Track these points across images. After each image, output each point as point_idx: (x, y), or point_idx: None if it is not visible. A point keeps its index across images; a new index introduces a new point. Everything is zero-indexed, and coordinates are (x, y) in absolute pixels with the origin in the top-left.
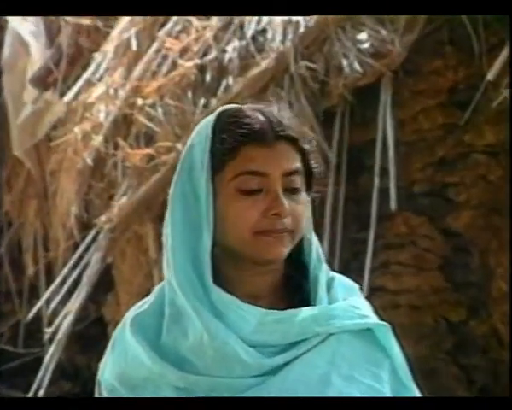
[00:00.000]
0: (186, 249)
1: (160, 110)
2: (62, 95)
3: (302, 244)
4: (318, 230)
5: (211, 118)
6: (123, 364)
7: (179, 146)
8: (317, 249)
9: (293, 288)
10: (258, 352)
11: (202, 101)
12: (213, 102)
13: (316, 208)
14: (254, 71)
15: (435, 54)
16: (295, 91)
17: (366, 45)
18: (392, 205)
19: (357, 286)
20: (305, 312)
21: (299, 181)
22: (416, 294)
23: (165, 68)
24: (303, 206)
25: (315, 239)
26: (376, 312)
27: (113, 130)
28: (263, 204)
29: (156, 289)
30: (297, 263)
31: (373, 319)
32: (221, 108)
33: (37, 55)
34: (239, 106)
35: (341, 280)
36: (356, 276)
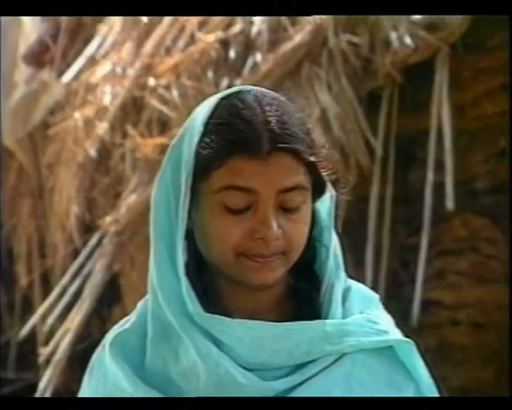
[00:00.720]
0: (169, 258)
1: (175, 92)
2: (61, 74)
3: (315, 252)
4: (360, 234)
5: (210, 103)
6: (101, 392)
7: None
8: (335, 255)
9: (301, 301)
10: (258, 376)
11: (225, 81)
12: (238, 82)
13: (339, 207)
14: (286, 46)
15: (501, 25)
16: (334, 70)
17: (418, 16)
18: (449, 204)
19: (376, 296)
20: (314, 327)
21: (298, 198)
22: (478, 309)
23: (181, 43)
24: (302, 224)
25: (334, 242)
26: (433, 328)
27: (121, 115)
28: (249, 224)
29: (139, 305)
30: (307, 273)
31: (394, 334)
32: (225, 92)
33: (31, 27)
34: (243, 93)
35: (358, 289)
36: (406, 288)
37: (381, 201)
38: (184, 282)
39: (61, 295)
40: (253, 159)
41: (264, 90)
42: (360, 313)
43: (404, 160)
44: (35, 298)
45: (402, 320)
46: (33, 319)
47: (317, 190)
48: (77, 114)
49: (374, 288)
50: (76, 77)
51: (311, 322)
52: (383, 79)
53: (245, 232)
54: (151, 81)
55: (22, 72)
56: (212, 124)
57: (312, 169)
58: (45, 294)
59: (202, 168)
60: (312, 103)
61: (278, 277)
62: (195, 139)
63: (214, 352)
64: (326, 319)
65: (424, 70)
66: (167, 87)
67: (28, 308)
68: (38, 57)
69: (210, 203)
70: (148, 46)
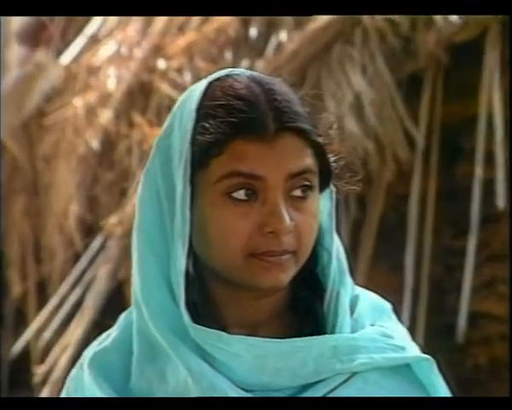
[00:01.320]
0: (158, 267)
1: (188, 75)
2: (59, 55)
3: (316, 256)
4: (400, 236)
5: (199, 88)
6: None
7: None
8: (338, 258)
9: (304, 312)
10: None
11: (245, 63)
12: (260, 64)
13: (341, 205)
14: (315, 24)
15: None
16: (370, 50)
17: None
18: (500, 202)
19: (388, 305)
20: (322, 343)
21: (308, 184)
22: None
23: (195, 20)
24: (311, 216)
25: (337, 244)
26: (481, 343)
27: (127, 102)
28: (257, 216)
29: (121, 318)
30: (309, 280)
31: (411, 350)
32: (213, 75)
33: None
34: (236, 74)
35: (368, 298)
36: (451, 297)
37: (423, 199)
38: (182, 292)
39: (60, 305)
40: (257, 141)
41: (256, 72)
42: (371, 326)
43: (449, 152)
44: (29, 309)
45: (446, 334)
46: (27, 334)
47: (324, 178)
48: (77, 101)
49: (414, 297)
50: (76, 58)
51: (319, 337)
52: (425, 61)
53: (253, 227)
54: (161, 63)
55: (15, 52)
56: (207, 107)
57: (319, 152)
58: (41, 304)
59: (200, 157)
60: (344, 88)
61: (289, 278)
62: (189, 126)
63: (209, 372)
64: (332, 331)
65: (472, 50)
66: (179, 70)
67: (22, 321)
68: (34, 36)
69: (210, 196)
70: (158, 24)
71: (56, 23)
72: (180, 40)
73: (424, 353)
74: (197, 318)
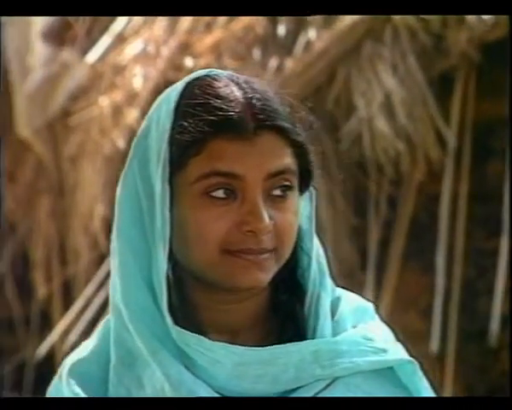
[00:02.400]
0: (138, 269)
1: None
2: (84, 54)
3: (296, 258)
4: (430, 237)
5: (177, 88)
6: None
7: None
8: (318, 260)
9: (285, 316)
10: None
11: (274, 61)
12: (289, 63)
13: (371, 205)
14: (344, 22)
15: None
16: (401, 49)
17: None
18: None
19: (370, 305)
20: (302, 348)
21: (288, 182)
22: None
23: (223, 18)
24: (291, 215)
25: (316, 247)
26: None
27: (153, 101)
28: (236, 215)
29: (99, 328)
30: (290, 283)
31: (394, 352)
32: (191, 75)
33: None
34: (214, 74)
35: (349, 299)
36: (483, 300)
37: (455, 199)
38: (164, 293)
39: (85, 307)
40: (236, 140)
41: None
42: (353, 328)
43: (481, 152)
44: (55, 311)
45: (478, 337)
46: (53, 336)
47: (304, 178)
48: (103, 100)
49: (446, 299)
50: (102, 57)
51: (300, 343)
52: (457, 59)
53: (232, 225)
54: (188, 61)
55: (40, 52)
56: (186, 105)
57: (299, 151)
58: (66, 306)
59: (178, 156)
60: (374, 87)
61: (269, 278)
62: (167, 125)
63: (188, 378)
64: (313, 335)
65: (504, 49)
66: (207, 68)
67: (47, 323)
68: (59, 34)
69: (189, 196)
70: (185, 22)
71: (82, 22)
72: (207, 38)
73: (455, 356)
74: (176, 322)
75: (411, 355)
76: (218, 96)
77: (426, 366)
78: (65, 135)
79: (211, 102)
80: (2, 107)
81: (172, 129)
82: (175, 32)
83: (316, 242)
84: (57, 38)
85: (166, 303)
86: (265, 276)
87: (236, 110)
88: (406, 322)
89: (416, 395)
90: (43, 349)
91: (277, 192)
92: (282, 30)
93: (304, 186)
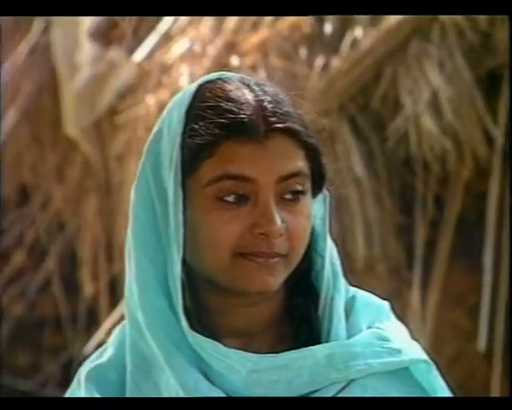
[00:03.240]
0: (154, 273)
1: (262, 73)
2: (131, 53)
3: (309, 261)
4: (478, 236)
5: (188, 92)
6: None
7: None
8: (331, 262)
9: (299, 319)
10: None
11: (320, 60)
12: (335, 62)
13: (418, 204)
14: (391, 20)
15: None
16: (448, 47)
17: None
18: None
19: (386, 304)
20: (316, 352)
21: (300, 186)
22: None
23: (269, 17)
24: (303, 218)
25: (330, 248)
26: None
27: None
28: (248, 218)
29: (114, 334)
30: (304, 285)
31: (409, 352)
32: (203, 78)
33: None
34: (226, 77)
35: (364, 298)
36: None
37: (502, 198)
38: (179, 297)
39: None
40: (248, 143)
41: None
42: (368, 328)
43: None
44: (101, 309)
45: None
46: (99, 334)
47: (316, 181)
48: (149, 99)
49: (493, 299)
50: (149, 56)
51: (314, 347)
52: (504, 57)
53: (244, 228)
54: (234, 60)
55: (88, 51)
56: (197, 109)
57: (311, 154)
58: (113, 304)
59: (190, 160)
60: (421, 85)
61: (279, 283)
62: (179, 129)
63: (203, 385)
64: (327, 337)
65: None
66: (253, 67)
67: (93, 321)
68: (106, 34)
69: (201, 199)
70: (231, 21)
71: (128, 21)
72: (254, 37)
73: (503, 354)
74: (192, 326)
75: (429, 355)
76: (229, 99)
77: (473, 365)
78: (112, 134)
79: (222, 104)
80: (51, 106)
81: (184, 133)
82: (221, 31)
83: (329, 243)
84: (104, 38)
85: (182, 307)
86: (275, 280)
87: (247, 113)
88: (453, 321)
89: (431, 394)
90: (89, 347)
91: (289, 196)
92: (328, 28)
93: (316, 189)
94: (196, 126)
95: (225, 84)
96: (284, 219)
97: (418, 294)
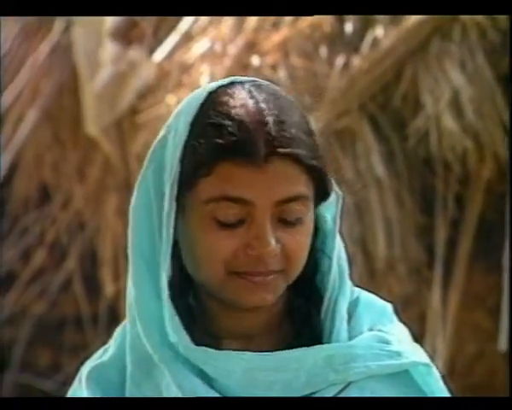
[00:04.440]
0: (150, 279)
1: (283, 72)
2: (151, 52)
3: (316, 263)
4: (498, 236)
5: (196, 100)
6: None
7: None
8: (339, 263)
9: (300, 321)
10: None
11: (341, 59)
12: (355, 61)
13: (438, 204)
14: (412, 19)
15: None
16: (469, 46)
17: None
18: None
19: (388, 306)
20: (315, 353)
21: (299, 209)
22: None
23: (290, 16)
24: (303, 237)
25: (338, 249)
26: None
27: None
28: (243, 238)
29: (117, 331)
30: (308, 288)
31: (409, 355)
32: (213, 85)
33: None
34: (234, 89)
35: (367, 300)
36: None
37: None
38: (168, 308)
39: None
40: (246, 166)
41: (260, 82)
42: (370, 330)
43: None
44: (122, 308)
45: None
46: None
47: (320, 196)
48: (170, 99)
49: (511, 299)
50: (169, 56)
51: (312, 348)
52: None
53: (238, 247)
54: (255, 60)
55: (109, 50)
56: (200, 124)
57: (315, 174)
58: None
59: (188, 175)
60: (442, 84)
61: (277, 296)
62: (181, 142)
63: (201, 389)
64: (329, 339)
65: None
66: (273, 67)
67: (114, 320)
68: (127, 33)
69: (198, 215)
70: (252, 20)
71: (149, 21)
72: (274, 36)
73: None
74: (193, 330)
75: (430, 357)
76: (231, 118)
77: (494, 365)
78: (132, 133)
79: (223, 123)
80: (72, 105)
81: (185, 147)
82: (242, 30)
83: (338, 243)
84: (125, 37)
85: (179, 311)
86: (272, 296)
87: (248, 135)
88: (474, 321)
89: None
90: None
91: (288, 218)
92: (349, 27)
93: (319, 203)
94: (196, 144)
95: (231, 100)
96: (281, 238)
97: (439, 294)
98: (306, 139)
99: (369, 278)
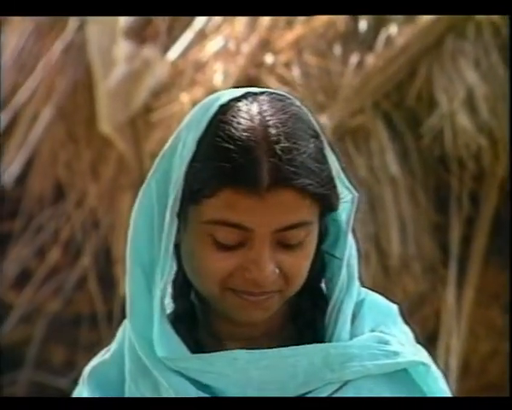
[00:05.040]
0: (146, 284)
1: (296, 70)
2: (165, 51)
3: (323, 266)
4: None
5: (207, 114)
6: None
7: (323, 119)
8: (349, 263)
9: (304, 323)
10: None
11: (355, 57)
12: (369, 59)
13: (453, 202)
14: (426, 17)
15: None
16: (483, 44)
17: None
18: None
19: (394, 308)
20: (311, 352)
21: (301, 234)
22: None
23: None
24: (303, 260)
25: (349, 249)
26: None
27: None
28: (241, 259)
29: (120, 329)
30: (312, 292)
31: (407, 355)
32: (226, 97)
33: None
34: (246, 104)
35: (373, 301)
36: None
37: None
38: (157, 322)
39: None
40: (248, 194)
41: (275, 96)
42: (372, 331)
43: None
44: None
45: None
46: None
47: (329, 209)
48: (184, 97)
49: None
50: (183, 54)
51: (307, 346)
52: None
53: (235, 268)
54: (269, 58)
55: (123, 48)
56: (206, 143)
57: (321, 200)
58: None
59: (192, 192)
60: (456, 82)
61: (272, 312)
62: (187, 158)
63: (193, 391)
64: (330, 340)
65: None
66: (287, 65)
67: None
68: (141, 31)
69: (199, 232)
70: (266, 18)
71: (163, 19)
72: (288, 34)
73: None
74: (195, 332)
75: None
76: (236, 143)
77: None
78: (146, 131)
79: (228, 147)
80: (86, 103)
81: (190, 166)
82: (255, 28)
83: (349, 243)
84: (139, 36)
85: (181, 311)
86: (267, 313)
87: (252, 163)
88: (489, 318)
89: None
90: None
91: (289, 242)
92: (363, 26)
93: (330, 212)
94: (201, 165)
95: (239, 121)
96: (280, 262)
97: (453, 292)
98: (315, 166)
99: (384, 277)
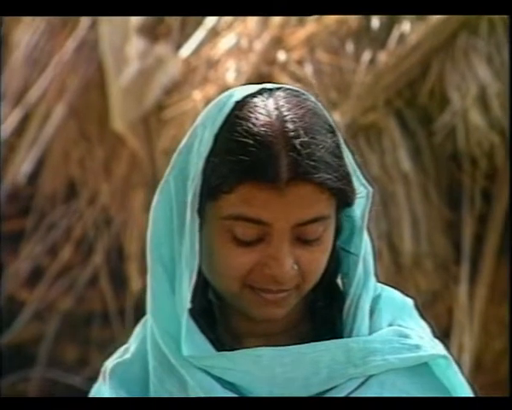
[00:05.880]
0: (167, 281)
1: (309, 68)
2: (178, 48)
3: (339, 262)
4: None
5: (224, 110)
6: None
7: (336, 116)
8: (365, 258)
9: (321, 320)
10: None
11: (367, 55)
12: (382, 56)
13: (465, 200)
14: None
15: None
16: (496, 41)
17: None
18: None
19: (410, 302)
20: (333, 347)
21: (319, 228)
22: None
23: None
24: (321, 254)
25: (365, 245)
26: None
27: None
28: (260, 256)
29: (137, 329)
30: (329, 288)
31: (428, 349)
32: (242, 93)
33: None
34: (263, 100)
35: (389, 296)
36: None
37: None
38: (185, 321)
39: None
40: (267, 188)
41: (290, 91)
42: (389, 326)
43: None
44: None
45: None
46: None
47: (344, 204)
48: (196, 94)
49: None
50: (195, 51)
51: (329, 342)
52: None
53: (255, 264)
54: (281, 55)
55: (136, 45)
56: (224, 138)
57: (338, 194)
58: None
59: (210, 188)
60: (469, 80)
61: (289, 309)
62: (205, 154)
63: (220, 392)
64: (350, 336)
65: None
66: (300, 62)
67: (141, 316)
68: (153, 29)
69: (218, 228)
70: (278, 15)
71: (175, 16)
72: (300, 32)
73: None
74: (213, 329)
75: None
76: (254, 138)
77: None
78: (159, 129)
79: (246, 141)
80: (99, 101)
81: (208, 161)
82: (268, 25)
83: (365, 239)
84: (151, 33)
85: (200, 307)
86: (283, 310)
87: (271, 158)
88: (501, 316)
89: (451, 390)
90: None
91: (308, 237)
92: (375, 23)
93: (346, 207)
94: (219, 160)
95: (256, 116)
96: (298, 256)
97: (466, 289)
98: (332, 160)
99: (396, 274)
